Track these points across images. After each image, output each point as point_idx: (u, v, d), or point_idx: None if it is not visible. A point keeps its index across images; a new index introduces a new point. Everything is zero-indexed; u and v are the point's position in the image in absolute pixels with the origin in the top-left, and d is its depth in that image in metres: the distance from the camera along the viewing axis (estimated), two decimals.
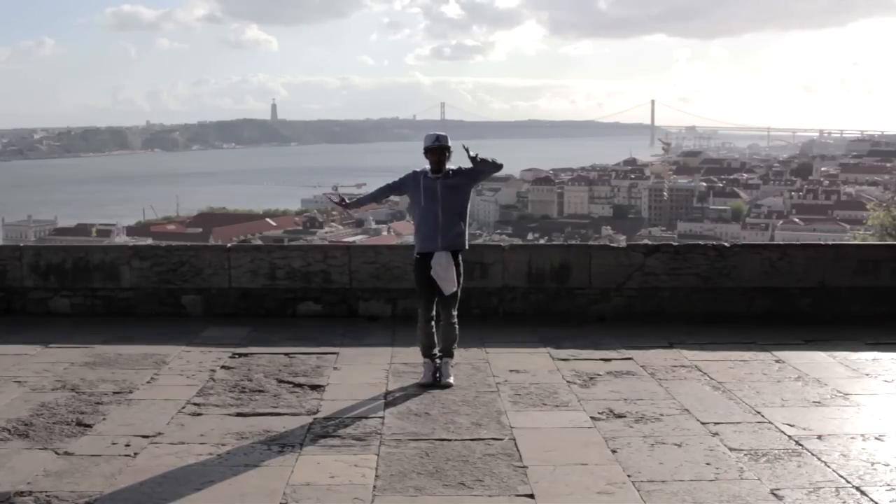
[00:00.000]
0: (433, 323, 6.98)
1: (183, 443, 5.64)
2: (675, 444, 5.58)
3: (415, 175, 6.91)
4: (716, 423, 5.97)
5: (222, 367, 7.52)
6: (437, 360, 6.94)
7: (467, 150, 6.80)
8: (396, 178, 7.08)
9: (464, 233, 6.93)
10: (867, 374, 7.28)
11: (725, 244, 9.94)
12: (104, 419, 6.13)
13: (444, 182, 6.80)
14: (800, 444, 5.56)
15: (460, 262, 6.93)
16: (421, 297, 6.99)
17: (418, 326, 7.01)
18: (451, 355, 7.02)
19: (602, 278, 9.53)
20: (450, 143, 6.89)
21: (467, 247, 7.05)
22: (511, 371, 7.35)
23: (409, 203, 7.01)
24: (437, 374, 6.89)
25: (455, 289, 6.85)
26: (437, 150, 6.81)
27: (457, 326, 7.01)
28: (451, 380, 6.91)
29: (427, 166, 6.88)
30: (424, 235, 6.87)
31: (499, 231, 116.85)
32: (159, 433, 5.82)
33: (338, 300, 9.62)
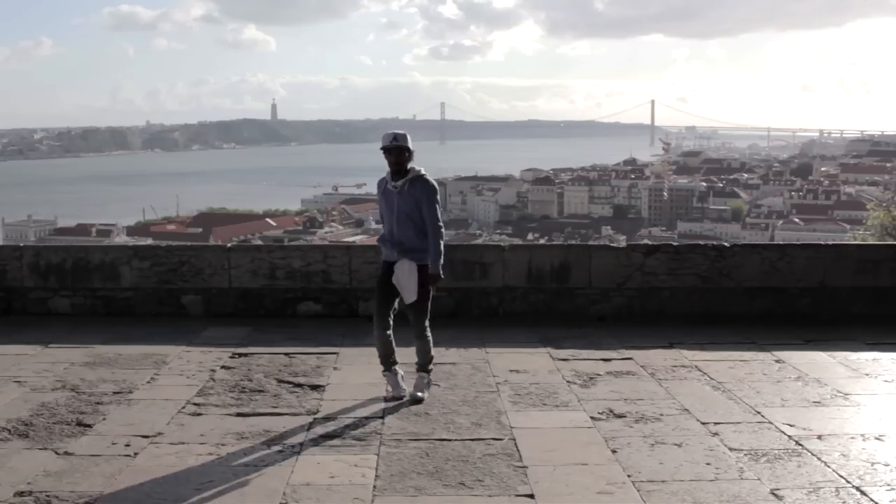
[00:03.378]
0: (389, 332, 6.54)
1: (183, 443, 5.64)
2: (675, 444, 5.58)
3: (382, 182, 6.56)
4: (716, 423, 5.97)
5: (222, 367, 7.52)
6: (399, 370, 6.60)
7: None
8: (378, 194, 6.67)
9: (425, 248, 6.39)
10: (867, 374, 7.28)
11: (725, 244, 9.92)
12: (104, 419, 6.13)
13: (400, 193, 6.40)
14: (800, 444, 5.56)
15: (428, 276, 6.40)
16: (376, 303, 6.62)
17: (374, 335, 6.57)
18: (425, 370, 6.61)
19: (602, 278, 9.52)
20: (409, 143, 6.39)
21: (436, 263, 6.41)
22: (511, 371, 7.34)
23: None
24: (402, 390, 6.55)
25: (413, 298, 6.39)
26: (395, 150, 6.32)
27: (430, 340, 6.58)
28: (424, 394, 6.51)
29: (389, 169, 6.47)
30: (383, 244, 6.62)
31: (499, 231, 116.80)
32: (159, 433, 5.82)
33: (338, 300, 9.61)
